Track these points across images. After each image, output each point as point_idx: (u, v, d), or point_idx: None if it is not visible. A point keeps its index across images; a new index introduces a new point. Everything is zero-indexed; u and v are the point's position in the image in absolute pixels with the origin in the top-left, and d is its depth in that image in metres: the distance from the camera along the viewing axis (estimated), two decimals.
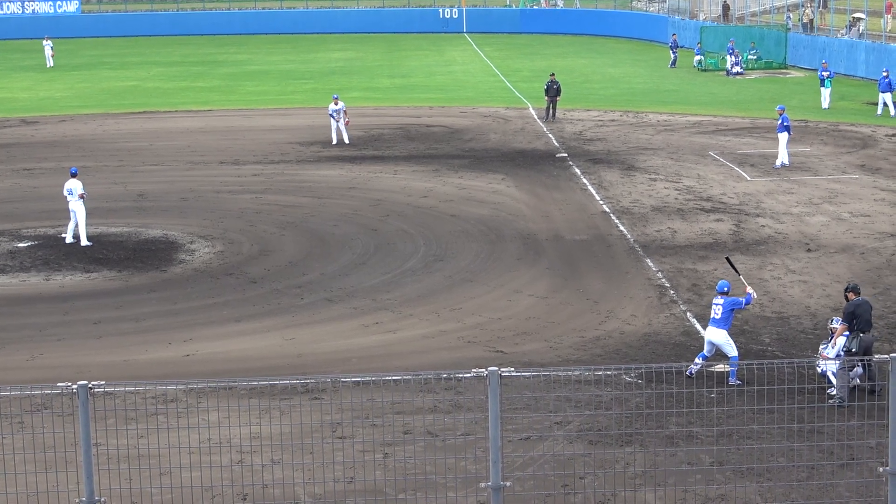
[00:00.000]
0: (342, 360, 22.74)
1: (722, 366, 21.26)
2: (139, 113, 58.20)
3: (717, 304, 21.28)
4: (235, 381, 20.33)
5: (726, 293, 21.33)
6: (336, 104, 46.76)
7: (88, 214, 31.62)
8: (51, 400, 18.90)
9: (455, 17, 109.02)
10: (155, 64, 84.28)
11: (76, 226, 31.37)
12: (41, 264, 29.91)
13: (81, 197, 31.16)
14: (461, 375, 13.70)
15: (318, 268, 29.36)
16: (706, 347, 21.43)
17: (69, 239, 31.46)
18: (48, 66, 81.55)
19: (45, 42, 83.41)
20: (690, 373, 21.16)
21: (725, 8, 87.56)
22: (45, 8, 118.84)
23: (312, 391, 20.37)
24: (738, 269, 22.84)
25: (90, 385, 12.03)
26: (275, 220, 34.19)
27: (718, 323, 21.17)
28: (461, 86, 68.78)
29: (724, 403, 19.76)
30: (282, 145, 47.25)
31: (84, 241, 31.26)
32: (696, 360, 21.32)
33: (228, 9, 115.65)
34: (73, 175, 31.68)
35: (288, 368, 22.15)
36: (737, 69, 71.90)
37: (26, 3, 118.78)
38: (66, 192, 31.42)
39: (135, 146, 48.04)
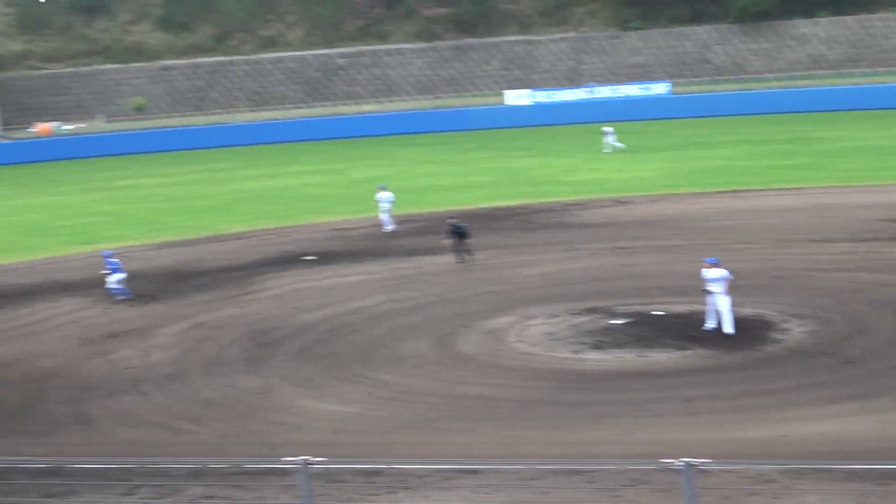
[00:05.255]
0: None
1: None
2: (728, 192, 58.45)
3: None
4: (833, 464, 19.73)
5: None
6: None
7: (675, 292, 31.47)
8: (648, 475, 19.18)
9: None
10: (743, 142, 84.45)
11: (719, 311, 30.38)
12: (635, 341, 30.46)
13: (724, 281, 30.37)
14: None
15: None
16: None
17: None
18: (604, 151, 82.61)
19: (605, 129, 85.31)
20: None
21: None
22: (635, 91, 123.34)
23: None
24: None
25: (694, 462, 12.08)
26: (869, 300, 33.00)
27: None
28: None
29: None
30: (872, 222, 45.63)
31: (728, 329, 30.10)
32: None
33: (820, 85, 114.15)
34: (713, 264, 30.46)
35: (887, 452, 21.19)
36: None
37: (618, 87, 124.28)
38: (706, 279, 30.55)
39: (724, 224, 48.24)
